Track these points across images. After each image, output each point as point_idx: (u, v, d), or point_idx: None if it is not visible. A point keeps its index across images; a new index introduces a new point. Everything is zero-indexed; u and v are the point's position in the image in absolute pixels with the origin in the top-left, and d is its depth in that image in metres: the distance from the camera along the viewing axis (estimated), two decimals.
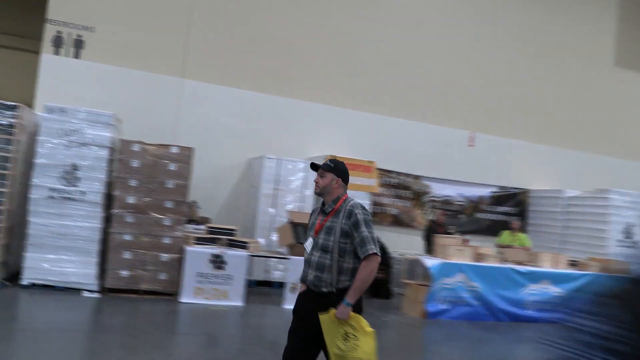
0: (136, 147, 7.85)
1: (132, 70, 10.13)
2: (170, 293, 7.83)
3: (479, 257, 8.85)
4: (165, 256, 7.83)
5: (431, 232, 10.01)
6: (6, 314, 6.60)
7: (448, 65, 12.28)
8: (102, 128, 7.75)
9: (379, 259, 3.20)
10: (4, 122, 7.35)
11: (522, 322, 8.69)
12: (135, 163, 7.81)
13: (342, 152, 10.31)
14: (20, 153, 7.66)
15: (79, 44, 10.00)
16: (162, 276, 7.83)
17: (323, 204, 3.43)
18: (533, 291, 8.83)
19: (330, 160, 3.44)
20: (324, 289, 3.22)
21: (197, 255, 7.75)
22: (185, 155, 8.04)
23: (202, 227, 8.49)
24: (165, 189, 7.88)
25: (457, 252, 8.59)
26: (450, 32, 12.39)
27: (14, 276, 7.82)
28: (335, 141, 11.08)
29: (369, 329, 3.14)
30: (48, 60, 9.84)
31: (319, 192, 3.41)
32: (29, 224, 7.53)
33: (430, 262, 8.45)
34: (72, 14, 9.99)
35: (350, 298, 3.14)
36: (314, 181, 3.44)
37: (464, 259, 8.57)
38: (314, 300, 3.27)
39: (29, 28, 18.49)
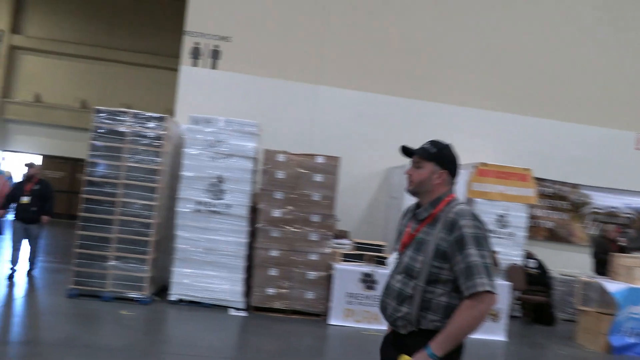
0: (281, 158, 7.42)
1: (267, 79, 9.84)
2: (318, 314, 7.28)
3: None
4: (312, 274, 7.30)
5: (602, 250, 8.69)
6: (156, 333, 6.38)
7: (608, 59, 10.80)
8: (247, 138, 7.41)
9: (493, 300, 2.14)
10: (152, 134, 7.22)
11: None
12: (280, 174, 7.38)
13: (492, 159, 9.29)
14: (166, 165, 7.52)
15: (215, 55, 9.88)
16: (310, 295, 7.30)
17: (417, 205, 2.40)
18: None
19: (432, 143, 2.37)
20: (402, 329, 2.26)
21: (347, 273, 7.14)
22: (331, 166, 7.49)
23: (347, 242, 7.88)
24: (311, 202, 7.37)
25: None
26: (608, 21, 10.91)
27: (161, 290, 7.69)
28: (483, 147, 10.05)
29: None
30: (187, 72, 9.81)
31: (413, 190, 2.38)
32: (176, 238, 7.34)
33: (613, 286, 7.20)
34: (209, 25, 9.91)
35: (437, 347, 2.11)
36: (406, 174, 2.40)
37: None
38: (393, 344, 2.34)
39: (162, 46, 19.31)
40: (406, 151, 2.42)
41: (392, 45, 10.23)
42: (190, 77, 9.77)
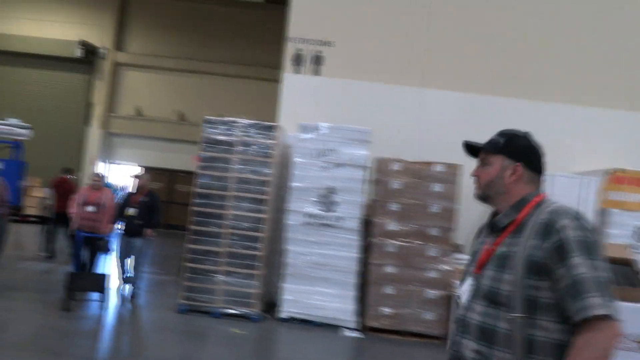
0: (396, 166, 6.89)
1: (371, 83, 9.37)
2: (439, 337, 6.65)
3: None
4: (431, 292, 6.69)
5: None
6: (269, 354, 6.02)
7: None
8: (358, 146, 6.96)
9: (615, 327, 1.53)
10: (261, 144, 6.94)
11: None
12: (395, 184, 6.85)
13: (627, 164, 8.25)
14: (275, 176, 7.21)
15: (318, 60, 9.55)
16: (428, 316, 6.69)
17: (494, 214, 1.91)
18: None
19: (501, 133, 1.91)
20: None
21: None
22: (451, 174, 6.86)
23: (468, 257, 7.18)
24: (429, 214, 6.78)
25: None
26: None
27: (269, 307, 7.37)
28: (613, 150, 9.01)
29: None
30: (289, 79, 9.54)
31: (482, 194, 1.91)
32: (286, 253, 7.00)
33: None
34: (311, 31, 9.60)
35: None
36: (473, 175, 1.95)
37: None
38: None
39: (255, 57, 19.48)
40: (470, 149, 1.96)
41: (498, 44, 9.44)
42: (293, 85, 9.50)
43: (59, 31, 19.53)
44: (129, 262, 7.69)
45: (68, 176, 9.80)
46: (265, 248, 6.93)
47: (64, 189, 9.21)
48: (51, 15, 19.78)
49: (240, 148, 6.94)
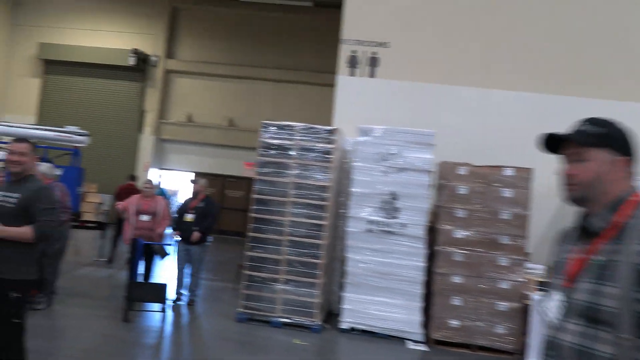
0: (462, 170, 6.54)
1: (429, 84, 9.03)
2: (511, 352, 6.24)
3: None
4: (502, 305, 6.29)
5: None
6: None
7: None
8: (421, 149, 6.64)
9: None
10: (320, 148, 6.72)
11: None
12: (461, 189, 6.49)
13: None
14: (334, 181, 6.97)
15: (373, 62, 9.28)
16: (500, 329, 6.29)
17: (585, 217, 1.61)
18: None
19: (591, 122, 1.60)
20: None
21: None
22: (522, 178, 6.45)
23: (539, 267, 6.76)
24: (499, 221, 6.39)
25: None
26: None
27: (328, 317, 7.13)
28: None
29: None
30: (344, 82, 9.31)
31: (581, 196, 1.59)
32: (347, 261, 6.74)
33: None
34: (366, 32, 9.35)
35: None
36: (565, 174, 1.62)
37: None
38: None
39: (305, 61, 19.42)
40: (553, 142, 1.62)
41: (571, 39, 8.92)
42: (348, 87, 9.26)
43: (114, 41, 19.97)
44: (187, 269, 7.61)
45: (133, 182, 9.88)
46: (325, 256, 6.69)
47: (130, 195, 9.24)
48: (106, 26, 20.25)
49: (299, 153, 6.74)
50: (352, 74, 9.32)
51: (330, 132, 6.80)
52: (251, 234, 6.77)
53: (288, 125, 6.87)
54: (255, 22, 20.13)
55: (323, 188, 6.71)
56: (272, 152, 6.76)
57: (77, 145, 10.45)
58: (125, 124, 20.06)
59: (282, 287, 6.65)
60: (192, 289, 7.45)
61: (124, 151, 20.03)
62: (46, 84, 20.57)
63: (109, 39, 20.03)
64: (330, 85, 18.95)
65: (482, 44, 9.07)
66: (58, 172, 6.95)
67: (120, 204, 7.50)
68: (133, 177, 10.63)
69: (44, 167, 6.39)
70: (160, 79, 20.17)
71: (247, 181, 19.25)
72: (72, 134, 10.34)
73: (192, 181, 7.97)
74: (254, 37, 20.14)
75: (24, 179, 3.57)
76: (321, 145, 6.74)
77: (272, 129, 6.85)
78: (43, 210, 3.45)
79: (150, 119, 20.17)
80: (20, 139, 3.70)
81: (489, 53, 9.05)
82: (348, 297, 6.69)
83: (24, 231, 3.40)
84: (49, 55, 20.19)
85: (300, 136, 6.77)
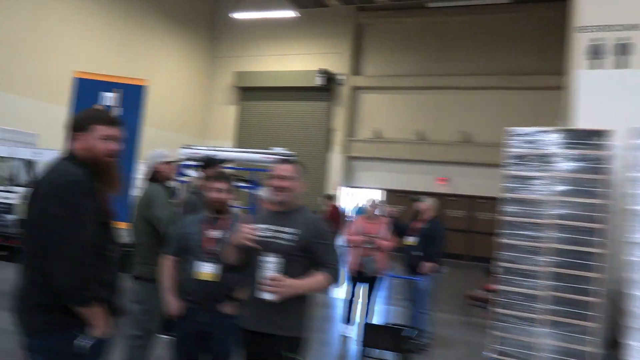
0: None
1: None
2: None
3: None
4: None
5: None
6: None
7: None
8: None
9: None
10: (590, 157, 5.36)
11: None
12: None
13: None
14: (609, 198, 5.54)
15: (624, 50, 7.58)
16: None
17: None
18: None
19: None
20: None
21: None
22: None
23: None
24: None
25: None
26: None
27: None
28: None
29: None
30: (584, 77, 7.75)
31: None
32: (631, 300, 5.24)
33: None
34: (611, 15, 7.71)
35: None
36: None
37: None
38: None
39: (499, 65, 17.75)
40: None
41: None
42: (590, 83, 7.69)
43: (302, 63, 20.36)
44: (411, 304, 6.72)
45: (335, 204, 9.40)
46: (599, 292, 5.28)
47: (333, 218, 8.78)
48: (294, 50, 20.77)
49: (561, 163, 5.46)
50: (593, 67, 7.73)
51: (601, 135, 5.41)
52: (501, 263, 5.63)
53: (544, 131, 5.64)
54: (443, 28, 19.03)
55: (593, 206, 5.33)
56: (523, 164, 5.57)
57: None
58: (315, 144, 20.22)
59: (543, 330, 5.38)
60: (420, 329, 6.48)
61: (314, 171, 20.18)
62: (241, 109, 21.70)
63: (297, 61, 20.48)
64: (534, 88, 17.09)
65: None
66: None
67: (352, 237, 6.86)
68: (330, 198, 10.14)
69: (263, 191, 5.98)
70: (347, 96, 20.05)
71: (439, 198, 18.03)
72: (279, 156, 10.19)
73: (414, 200, 7.09)
74: (442, 44, 19.05)
75: (294, 210, 2.94)
76: (590, 152, 5.38)
77: (521, 137, 5.67)
78: (328, 248, 2.80)
79: (338, 137, 20.10)
80: (284, 160, 3.09)
81: None
82: (635, 347, 5.17)
83: (320, 281, 2.77)
84: (244, 83, 21.29)
85: (562, 143, 5.49)
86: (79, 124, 2.48)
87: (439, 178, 18.64)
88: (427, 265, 6.52)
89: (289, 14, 18.94)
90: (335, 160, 20.00)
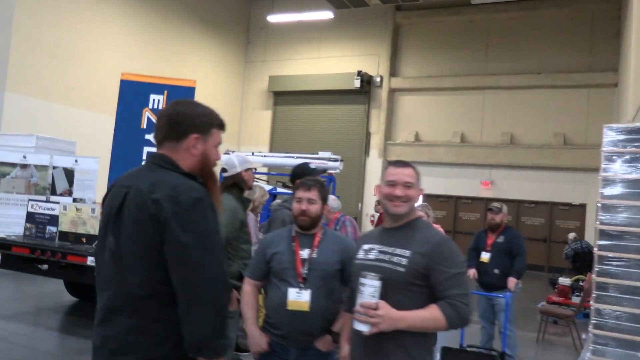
0: None
1: None
2: None
3: None
4: None
5: None
6: None
7: None
8: None
9: None
10: None
11: None
12: None
13: None
14: None
15: None
16: None
17: None
18: None
19: None
20: None
21: None
22: None
23: None
24: None
25: None
26: None
27: None
28: None
29: None
30: None
31: None
32: None
33: None
34: None
35: None
36: None
37: None
38: None
39: (545, 63, 16.92)
40: None
41: None
42: None
43: (338, 66, 19.87)
44: (488, 323, 6.10)
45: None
46: None
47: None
48: (330, 52, 20.29)
49: None
50: None
51: None
52: (599, 279, 5.00)
53: None
54: (484, 26, 18.32)
55: None
56: (630, 165, 4.95)
57: (331, 171, 9.79)
58: (352, 148, 19.66)
59: None
60: (504, 352, 5.82)
61: (351, 175, 19.64)
62: (276, 114, 21.30)
63: (333, 64, 19.98)
64: (583, 86, 16.23)
65: None
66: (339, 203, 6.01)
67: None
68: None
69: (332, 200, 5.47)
70: (384, 99, 19.47)
71: (483, 202, 17.35)
72: (325, 160, 9.72)
73: (489, 208, 6.36)
74: (484, 43, 18.34)
75: (409, 225, 2.39)
76: None
77: (623, 134, 5.04)
78: (453, 277, 2.19)
79: (376, 140, 19.53)
80: (401, 162, 2.54)
81: None
82: None
83: (436, 317, 2.12)
84: (278, 87, 20.88)
85: None
86: (198, 125, 1.94)
87: (483, 182, 17.92)
88: (511, 282, 5.83)
89: (326, 14, 18.46)
90: (373, 164, 19.41)
